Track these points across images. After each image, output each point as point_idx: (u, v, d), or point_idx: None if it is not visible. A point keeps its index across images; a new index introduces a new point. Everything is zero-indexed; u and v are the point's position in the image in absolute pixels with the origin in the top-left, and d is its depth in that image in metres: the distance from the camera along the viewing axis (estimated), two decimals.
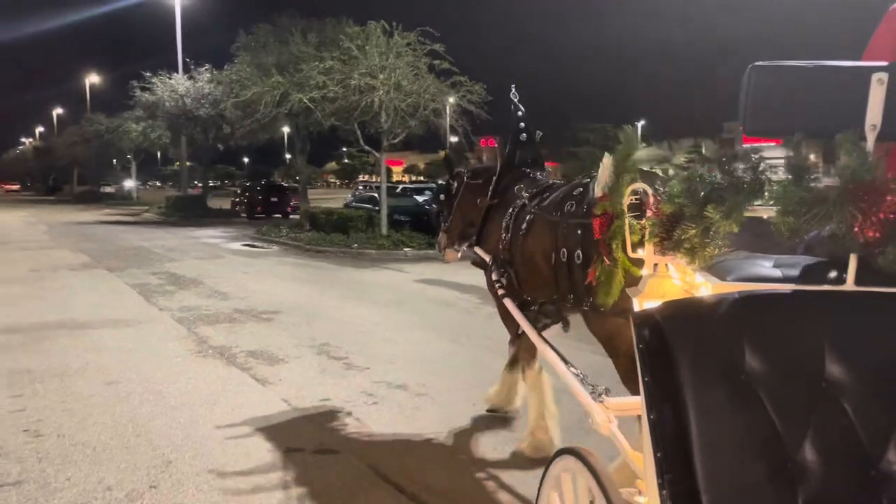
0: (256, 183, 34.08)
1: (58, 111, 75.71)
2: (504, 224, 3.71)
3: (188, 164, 39.12)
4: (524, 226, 3.44)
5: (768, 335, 1.51)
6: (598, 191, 2.60)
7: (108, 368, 5.66)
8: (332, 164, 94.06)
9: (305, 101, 14.89)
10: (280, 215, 27.70)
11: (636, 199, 2.29)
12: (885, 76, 1.61)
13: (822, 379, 1.48)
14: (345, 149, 19.60)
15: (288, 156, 68.96)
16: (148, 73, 27.14)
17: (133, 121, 32.20)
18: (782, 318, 1.54)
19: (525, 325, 3.35)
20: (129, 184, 50.52)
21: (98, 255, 14.39)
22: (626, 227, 2.19)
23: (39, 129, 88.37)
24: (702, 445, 1.43)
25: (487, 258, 4.03)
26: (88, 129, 41.57)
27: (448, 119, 18.70)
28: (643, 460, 1.65)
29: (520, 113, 4.10)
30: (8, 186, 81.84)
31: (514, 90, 4.15)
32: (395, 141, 16.54)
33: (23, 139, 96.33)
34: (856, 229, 1.47)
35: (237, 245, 17.23)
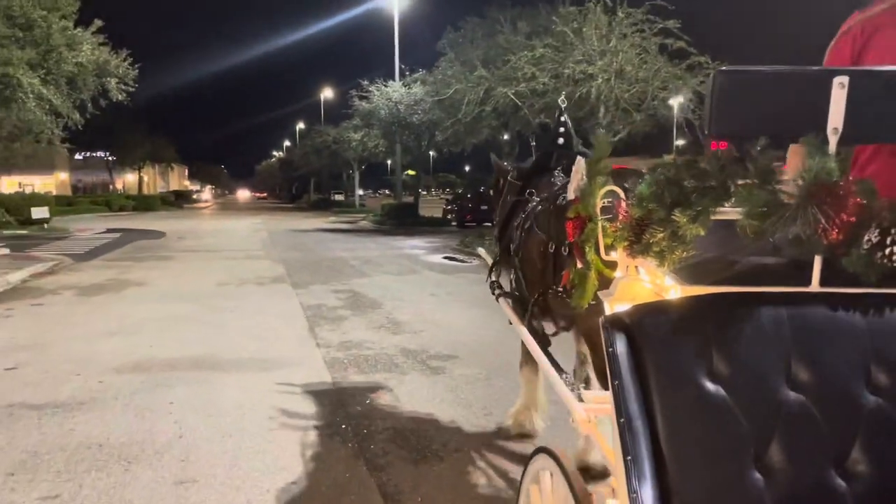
0: (467, 190, 33.10)
1: (300, 125, 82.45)
2: (516, 225, 3.67)
3: (412, 172, 39.58)
4: (528, 225, 3.43)
5: (735, 337, 1.50)
6: (570, 194, 2.68)
7: (198, 451, 4.05)
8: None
9: (511, 95, 12.95)
10: (490, 224, 26.37)
11: (608, 202, 2.22)
12: (845, 80, 1.57)
13: (788, 380, 1.46)
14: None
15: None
16: (366, 82, 27.28)
17: (351, 130, 32.87)
18: (749, 320, 1.52)
19: (514, 318, 3.31)
20: (357, 191, 52.94)
21: (294, 266, 13.74)
22: (599, 230, 2.16)
23: (286, 143, 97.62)
24: (671, 448, 1.41)
25: (489, 259, 4.20)
26: (317, 141, 43.87)
27: (677, 112, 15.63)
28: (614, 461, 1.54)
29: (563, 118, 4.10)
30: (258, 195, 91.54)
31: (563, 97, 4.43)
32: (615, 139, 14.01)
33: (273, 152, 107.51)
34: (819, 231, 1.45)
35: (436, 258, 15.82)
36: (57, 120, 14.01)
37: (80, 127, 14.95)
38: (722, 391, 1.45)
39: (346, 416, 4.71)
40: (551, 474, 1.89)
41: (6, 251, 15.73)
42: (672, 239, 1.63)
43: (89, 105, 14.82)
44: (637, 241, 1.73)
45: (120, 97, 14.94)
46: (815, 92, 1.61)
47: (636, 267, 1.91)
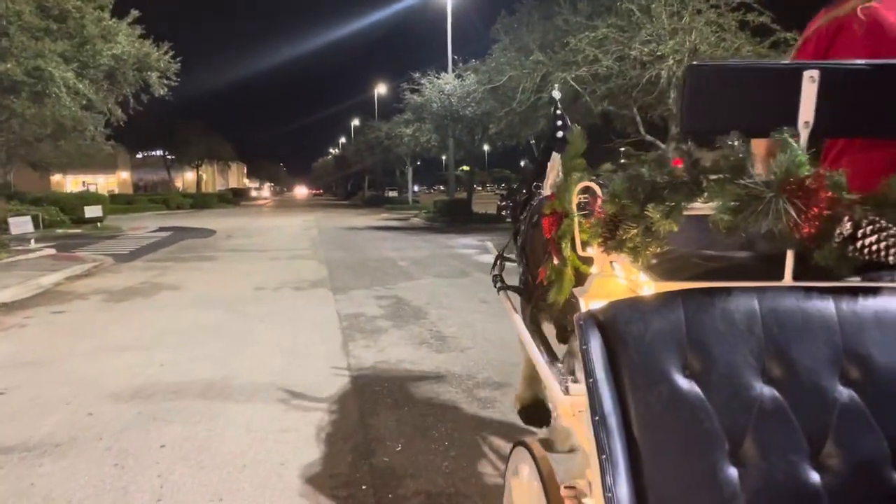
0: (522, 185, 31.99)
1: (355, 122, 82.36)
2: (522, 217, 3.63)
3: (466, 168, 38.65)
4: (535, 219, 3.28)
5: (709, 332, 1.48)
6: (546, 189, 2.78)
7: None
8: (607, 165, 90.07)
9: (570, 80, 11.78)
10: None
11: (585, 198, 2.14)
12: (816, 73, 1.56)
13: (762, 374, 1.44)
14: (619, 142, 14.92)
15: None
16: (417, 74, 26.44)
17: (403, 124, 32.08)
18: (723, 315, 1.50)
19: (509, 309, 3.22)
20: (410, 188, 52.34)
21: (338, 268, 12.95)
22: (576, 226, 2.10)
23: (342, 140, 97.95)
24: (646, 445, 1.39)
25: (496, 253, 4.21)
26: (370, 137, 43.34)
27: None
28: (589, 460, 1.53)
29: (558, 111, 3.94)
30: (314, 192, 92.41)
31: (556, 88, 4.39)
32: None
33: (330, 149, 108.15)
34: (791, 225, 1.43)
35: (489, 258, 14.76)
36: (96, 116, 13.56)
37: (122, 123, 14.52)
38: (696, 387, 1.42)
39: (369, 470, 3.75)
40: (526, 466, 1.92)
41: (51, 251, 15.49)
42: (645, 235, 1.61)
43: (132, 101, 14.33)
44: (611, 237, 1.71)
45: (161, 92, 14.42)
46: (786, 86, 1.56)
47: (611, 263, 1.89)
